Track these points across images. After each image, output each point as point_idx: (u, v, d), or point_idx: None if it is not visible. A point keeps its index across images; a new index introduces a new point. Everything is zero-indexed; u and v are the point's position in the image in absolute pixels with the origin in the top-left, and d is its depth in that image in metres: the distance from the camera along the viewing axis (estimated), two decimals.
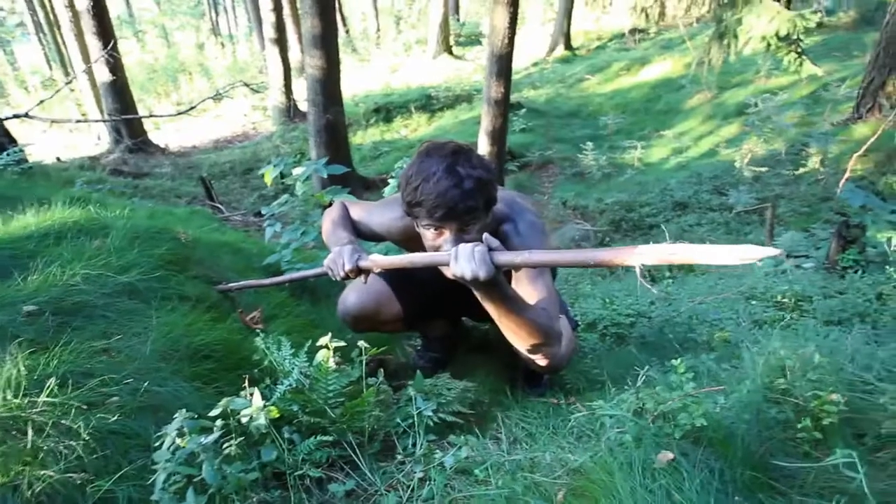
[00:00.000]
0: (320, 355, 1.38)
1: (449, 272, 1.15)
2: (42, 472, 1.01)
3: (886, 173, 4.98)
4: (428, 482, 1.19)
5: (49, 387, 1.13)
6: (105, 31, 9.57)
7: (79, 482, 1.02)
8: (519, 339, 1.31)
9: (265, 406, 1.17)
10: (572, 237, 5.42)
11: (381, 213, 1.59)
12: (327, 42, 6.59)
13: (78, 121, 9.32)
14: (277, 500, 1.14)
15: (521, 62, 14.07)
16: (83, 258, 1.64)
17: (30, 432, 1.06)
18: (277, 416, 1.20)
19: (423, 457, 1.28)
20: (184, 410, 1.06)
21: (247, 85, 9.32)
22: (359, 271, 1.38)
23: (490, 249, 1.09)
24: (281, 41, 11.53)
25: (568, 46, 14.38)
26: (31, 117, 4.04)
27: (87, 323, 1.40)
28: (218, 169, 9.61)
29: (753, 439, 0.93)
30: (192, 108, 6.56)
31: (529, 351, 1.34)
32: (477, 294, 1.20)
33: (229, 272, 2.08)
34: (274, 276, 2.05)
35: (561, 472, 1.10)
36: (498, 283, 1.16)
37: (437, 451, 1.29)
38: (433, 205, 1.21)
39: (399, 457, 1.30)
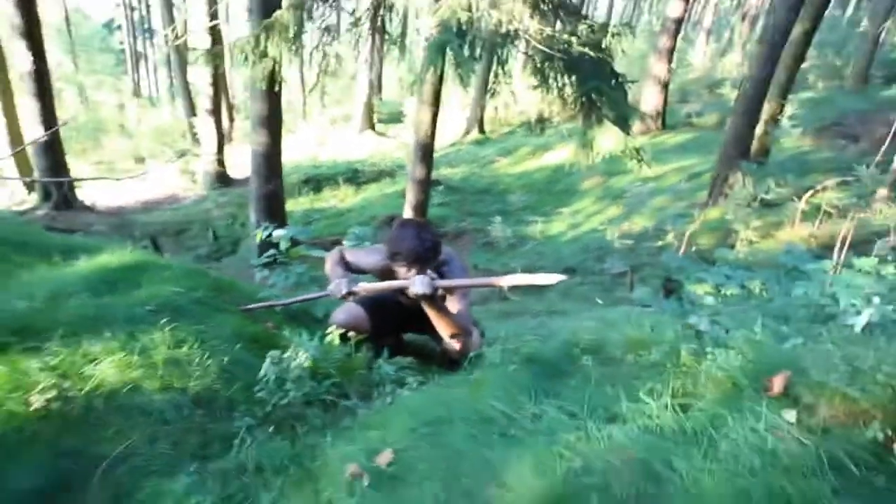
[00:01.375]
0: (328, 337, 2.37)
1: (410, 292, 2.22)
2: (196, 383, 1.95)
3: (720, 246, 6.56)
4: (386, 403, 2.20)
5: (188, 343, 2.07)
6: (44, 92, 10.14)
7: (217, 388, 1.96)
8: (446, 330, 2.38)
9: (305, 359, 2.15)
10: (480, 292, 6.61)
11: (367, 256, 2.65)
12: (272, 123, 7.63)
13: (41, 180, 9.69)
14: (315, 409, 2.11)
15: (439, 143, 15.69)
16: (163, 281, 2.56)
17: (186, 365, 2.00)
18: (310, 365, 2.18)
19: (388, 393, 2.29)
20: (275, 352, 2.04)
21: (184, 154, 10.13)
22: (351, 294, 2.42)
23: (432, 279, 2.19)
24: (216, 112, 12.46)
25: (481, 130, 16.22)
26: None
27: (185, 317, 2.33)
28: (151, 228, 10.18)
29: (555, 358, 2.04)
30: (143, 173, 7.32)
31: (451, 337, 2.41)
32: (423, 304, 2.28)
33: (241, 299, 3.02)
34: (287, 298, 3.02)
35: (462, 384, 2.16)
36: (435, 297, 2.24)
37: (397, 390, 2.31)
38: (408, 256, 2.29)
39: (374, 393, 2.30)
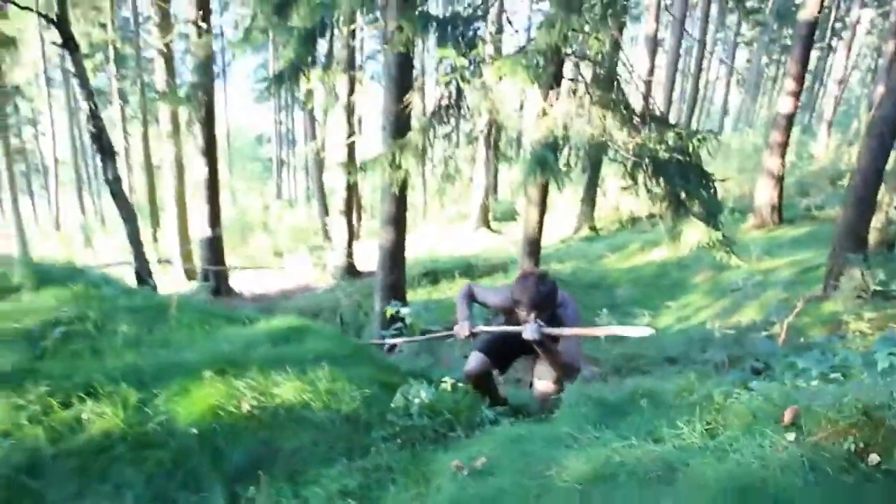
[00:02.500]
0: (441, 386, 3.07)
1: (523, 336, 2.88)
2: (346, 406, 2.71)
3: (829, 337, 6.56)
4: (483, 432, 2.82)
5: (340, 380, 2.87)
6: (214, 199, 12.26)
7: (360, 411, 2.71)
8: (554, 367, 3.00)
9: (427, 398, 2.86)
10: (584, 377, 7.02)
11: (494, 296, 3.36)
12: (398, 222, 8.80)
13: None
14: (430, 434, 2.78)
15: (550, 240, 16.47)
16: (320, 339, 3.43)
17: (339, 394, 2.78)
18: (429, 403, 2.88)
19: (486, 427, 2.91)
20: (405, 387, 2.78)
21: (318, 249, 11.63)
22: (473, 335, 3.12)
23: (541, 326, 2.85)
24: (348, 212, 14.16)
25: (591, 228, 16.81)
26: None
27: (337, 364, 3.14)
28: (290, 313, 11.59)
29: (619, 401, 2.59)
30: (281, 267, 8.67)
31: (559, 370, 3.02)
32: (534, 346, 2.92)
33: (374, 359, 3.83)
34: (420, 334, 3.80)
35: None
36: (544, 342, 2.89)
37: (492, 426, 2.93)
38: (528, 303, 2.94)
39: (476, 429, 2.93)
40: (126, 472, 2.27)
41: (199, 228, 12.59)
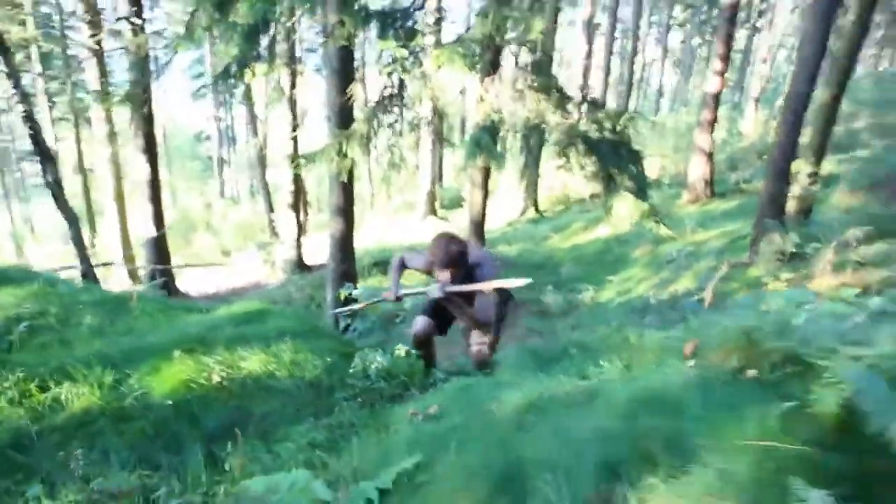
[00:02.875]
0: (396, 352, 3.38)
1: (430, 295, 3.22)
2: (309, 374, 2.99)
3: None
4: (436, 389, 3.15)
5: (302, 352, 3.14)
6: (156, 198, 12.13)
7: (322, 378, 3.00)
8: (469, 322, 3.35)
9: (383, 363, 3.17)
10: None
11: (417, 259, 3.68)
12: (347, 211, 9.00)
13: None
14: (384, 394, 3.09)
15: (497, 223, 16.94)
16: (281, 319, 3.68)
17: (303, 364, 3.05)
18: (385, 367, 3.18)
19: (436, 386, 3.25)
20: (362, 352, 3.08)
21: (266, 245, 11.72)
22: (398, 298, 3.44)
23: (444, 287, 3.19)
24: (296, 206, 14.22)
25: (536, 209, 17.37)
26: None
27: (299, 339, 3.41)
28: None
29: (554, 352, 2.96)
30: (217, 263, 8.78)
31: (474, 326, 3.37)
32: (444, 303, 3.27)
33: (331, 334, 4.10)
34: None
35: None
36: (451, 298, 3.24)
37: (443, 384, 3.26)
38: (439, 262, 3.27)
39: (430, 388, 3.25)
40: (110, 441, 2.49)
41: (142, 229, 12.45)
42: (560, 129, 5.49)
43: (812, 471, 1.44)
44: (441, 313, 3.69)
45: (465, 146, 5.38)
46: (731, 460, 1.56)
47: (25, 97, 7.48)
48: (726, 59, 14.15)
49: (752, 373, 2.25)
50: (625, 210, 6.02)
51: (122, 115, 13.68)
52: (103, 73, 13.02)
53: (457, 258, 3.27)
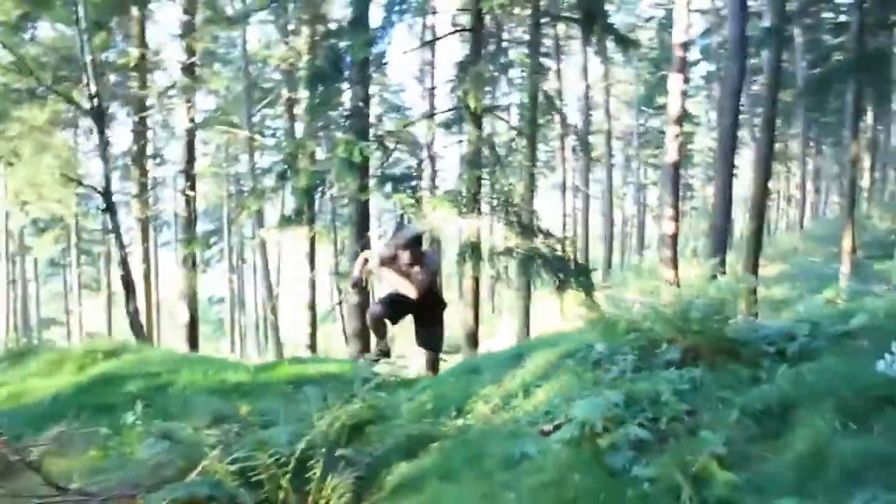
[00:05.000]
0: None
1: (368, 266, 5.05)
2: None
3: None
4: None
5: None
6: (192, 338, 14.41)
7: None
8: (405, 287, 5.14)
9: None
10: None
11: (378, 253, 5.01)
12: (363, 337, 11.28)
13: None
14: None
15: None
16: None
17: None
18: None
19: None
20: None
21: None
22: (355, 284, 5.30)
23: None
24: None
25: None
26: None
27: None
28: None
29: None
30: None
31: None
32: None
33: None
34: None
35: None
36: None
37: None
38: (404, 240, 4.81)
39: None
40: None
41: None
42: (523, 248, 8.00)
43: None
44: (398, 307, 4.89)
45: (456, 258, 7.90)
46: None
47: (122, 247, 10.15)
48: (676, 206, 17.26)
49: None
50: (570, 300, 8.35)
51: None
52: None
53: (418, 238, 4.80)
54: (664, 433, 2.34)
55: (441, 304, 5.25)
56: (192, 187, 14.52)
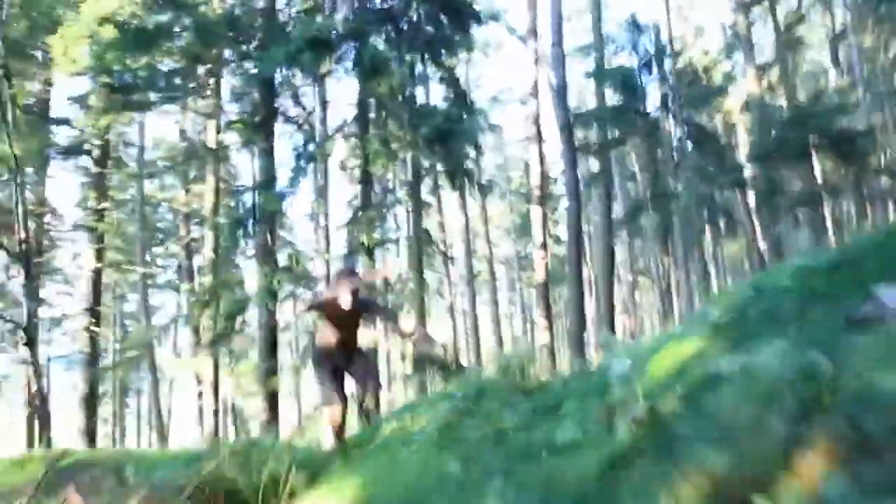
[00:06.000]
0: None
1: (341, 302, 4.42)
2: None
3: None
4: None
5: None
6: None
7: None
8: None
9: None
10: None
11: (323, 296, 4.94)
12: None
13: None
14: None
15: None
16: None
17: None
18: None
19: None
20: None
21: None
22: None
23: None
24: None
25: None
26: None
27: None
28: None
29: None
30: None
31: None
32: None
33: None
34: None
35: None
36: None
37: None
38: (346, 280, 4.39)
39: None
40: None
41: None
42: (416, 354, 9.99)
43: None
44: (338, 373, 4.70)
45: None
46: None
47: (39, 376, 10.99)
48: (548, 317, 20.03)
49: None
50: None
51: None
52: None
53: (354, 273, 4.81)
54: None
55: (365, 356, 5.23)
56: (97, 324, 15.39)
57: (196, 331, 13.23)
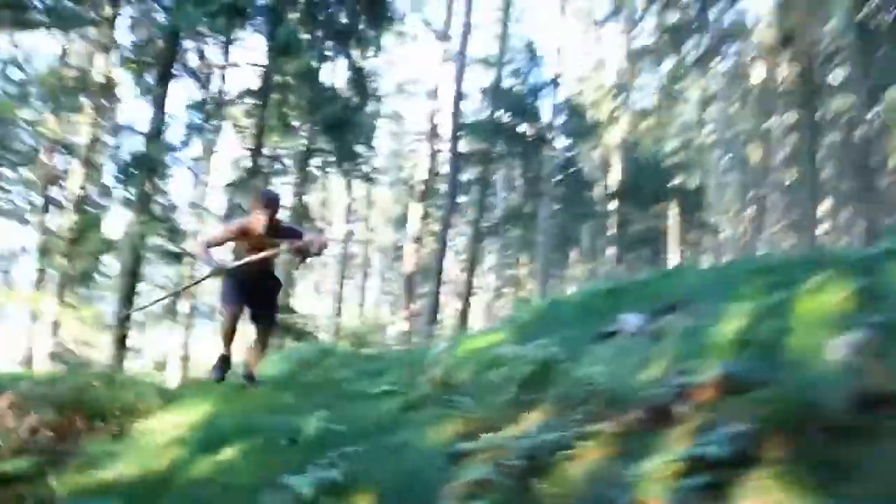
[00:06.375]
0: None
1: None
2: None
3: None
4: None
5: None
6: None
7: None
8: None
9: None
10: None
11: (225, 230, 4.94)
12: None
13: None
14: None
15: None
16: None
17: None
18: None
19: None
20: None
21: None
22: (221, 269, 4.26)
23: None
24: None
25: None
26: None
27: None
28: None
29: None
30: None
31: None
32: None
33: None
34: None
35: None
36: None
37: None
38: (262, 202, 4.16)
39: None
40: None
41: None
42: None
43: None
44: (245, 297, 4.39)
45: None
46: None
47: None
48: (408, 307, 21.22)
49: None
50: None
51: None
52: None
53: (276, 199, 4.33)
54: None
55: (277, 282, 4.89)
56: None
57: (41, 267, 12.73)
